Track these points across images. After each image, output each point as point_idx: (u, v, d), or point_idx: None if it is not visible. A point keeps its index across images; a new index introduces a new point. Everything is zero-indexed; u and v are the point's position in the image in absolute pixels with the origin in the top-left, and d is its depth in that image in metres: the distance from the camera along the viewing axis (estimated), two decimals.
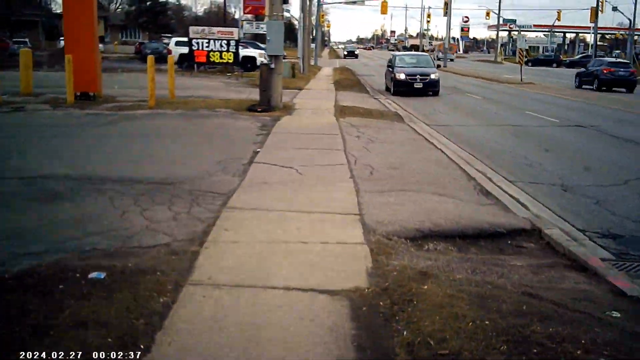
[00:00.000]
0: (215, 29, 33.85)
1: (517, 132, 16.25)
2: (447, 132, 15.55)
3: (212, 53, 32.78)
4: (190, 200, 7.35)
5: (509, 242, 6.77)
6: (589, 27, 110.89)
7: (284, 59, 54.60)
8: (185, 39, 34.84)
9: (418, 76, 26.78)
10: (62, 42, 56.83)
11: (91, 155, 10.03)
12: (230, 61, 33.12)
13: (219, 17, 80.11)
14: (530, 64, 71.29)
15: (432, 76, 27.00)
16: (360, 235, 6.18)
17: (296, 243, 5.83)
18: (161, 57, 44.32)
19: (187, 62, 35.51)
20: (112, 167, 9.06)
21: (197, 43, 32.77)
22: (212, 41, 32.68)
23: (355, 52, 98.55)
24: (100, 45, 68.04)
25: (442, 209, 7.49)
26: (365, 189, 8.29)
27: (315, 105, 19.96)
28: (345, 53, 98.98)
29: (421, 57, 31.37)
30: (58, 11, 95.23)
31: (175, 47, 40.38)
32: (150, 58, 17.08)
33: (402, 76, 26.94)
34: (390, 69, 29.01)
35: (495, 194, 8.70)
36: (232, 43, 32.83)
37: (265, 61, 18.26)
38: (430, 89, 26.86)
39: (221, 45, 32.72)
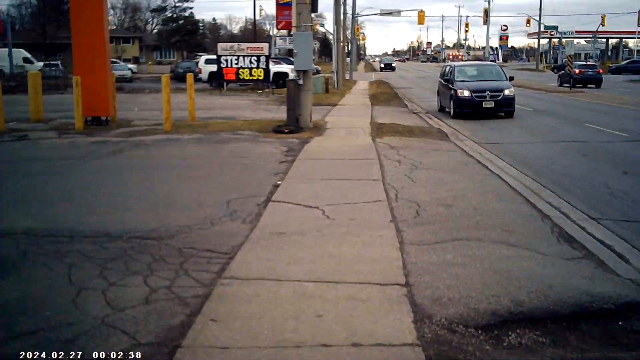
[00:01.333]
0: (244, 45, 32.37)
1: (582, 150, 14.04)
2: (501, 152, 13.47)
3: (241, 70, 31.32)
4: (178, 264, 5.49)
5: (621, 323, 4.72)
6: (634, 32, 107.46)
7: (317, 73, 53.44)
8: (215, 57, 33.50)
9: (488, 92, 20.90)
10: None
11: (73, 197, 8.27)
12: (261, 78, 31.59)
13: (256, 35, 79.36)
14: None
15: (506, 92, 21.23)
16: (410, 328, 4.21)
17: (314, 347, 3.89)
18: (194, 76, 43.31)
19: (215, 80, 34.04)
20: (92, 215, 7.28)
21: (226, 60, 31.35)
22: (241, 58, 31.22)
23: (393, 65, 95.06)
24: (133, 66, 67.89)
25: (519, 270, 5.47)
26: (411, 239, 6.33)
27: (349, 123, 18.06)
28: (382, 66, 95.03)
29: (487, 68, 24.85)
30: None
31: (204, 66, 39.06)
32: (165, 77, 15.44)
33: (466, 93, 20.92)
34: (446, 85, 22.79)
35: (581, 241, 6.63)
36: (262, 59, 31.30)
37: (293, 77, 16.45)
38: (504, 108, 21.27)
39: (251, 62, 31.27)
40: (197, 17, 70.28)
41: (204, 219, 7.08)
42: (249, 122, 17.33)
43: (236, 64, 31.52)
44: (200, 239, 6.29)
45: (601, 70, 44.12)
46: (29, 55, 57.53)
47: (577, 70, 39.88)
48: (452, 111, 21.55)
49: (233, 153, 12.09)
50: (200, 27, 72.04)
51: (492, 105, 20.88)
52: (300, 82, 16.19)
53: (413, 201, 8.09)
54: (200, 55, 48.37)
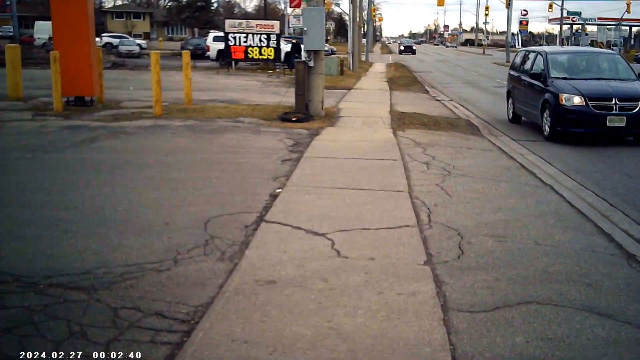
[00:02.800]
0: (254, 22, 30.22)
1: None
2: (546, 153, 11.40)
3: (250, 49, 29.20)
4: (103, 345, 3.53)
5: None
6: None
7: (332, 54, 51.23)
8: (223, 34, 31.42)
9: (615, 100, 12.39)
10: (104, 39, 54.68)
11: None
12: (271, 57, 29.44)
13: (268, 13, 76.95)
14: None
15: None
16: None
17: None
18: (204, 54, 41.29)
19: (223, 59, 31.97)
20: (9, 241, 5.31)
21: (234, 38, 29.23)
22: (250, 35, 29.08)
23: (413, 47, 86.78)
24: (143, 42, 65.93)
25: None
26: (459, 302, 4.33)
27: (365, 112, 15.99)
28: (402, 48, 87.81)
29: (602, 58, 15.42)
30: (108, 6, 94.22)
31: (213, 43, 36.98)
32: (155, 54, 13.38)
33: (577, 100, 12.49)
34: (531, 83, 14.29)
35: None
36: (273, 37, 29.14)
37: (303, 58, 14.39)
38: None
39: (260, 40, 29.10)
40: None
41: (166, 252, 5.10)
42: (252, 106, 15.30)
43: (245, 42, 29.41)
44: (151, 290, 4.32)
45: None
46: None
47: None
48: (547, 128, 13.04)
49: (227, 147, 10.07)
50: (212, 3, 69.65)
51: (624, 124, 12.32)
52: (311, 63, 14.13)
53: (452, 228, 6.08)
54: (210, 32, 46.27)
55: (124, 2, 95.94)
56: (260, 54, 29.39)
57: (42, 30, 52.60)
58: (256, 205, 6.68)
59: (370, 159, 9.55)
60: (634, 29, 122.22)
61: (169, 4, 79.18)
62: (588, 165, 10.50)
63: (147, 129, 11.51)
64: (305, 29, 13.89)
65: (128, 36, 63.54)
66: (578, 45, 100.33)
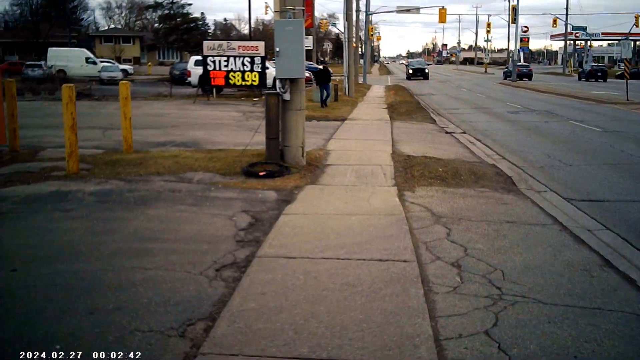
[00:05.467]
0: (235, 44, 26.60)
1: None
2: (614, 216, 7.77)
3: (232, 74, 25.61)
4: None
5: None
6: None
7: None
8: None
9: None
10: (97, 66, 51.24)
11: None
12: (255, 83, 25.77)
13: (263, 34, 73.62)
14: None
15: None
16: None
17: None
18: (184, 80, 37.81)
19: (200, 85, 28.45)
20: None
21: (213, 62, 25.68)
22: (232, 59, 25.51)
23: (426, 71, 64.21)
24: (130, 67, 62.79)
25: None
26: None
27: (361, 156, 12.35)
28: (410, 72, 64.28)
29: None
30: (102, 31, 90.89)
31: (194, 68, 33.48)
32: (66, 88, 9.68)
33: None
34: None
35: None
36: (258, 60, 25.55)
37: (277, 89, 10.79)
38: None
39: (243, 64, 25.52)
40: (209, 17, 64.91)
41: None
42: (213, 153, 11.64)
43: (225, 66, 25.89)
44: None
45: None
46: (91, 55, 53.16)
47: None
48: None
49: (139, 239, 6.36)
50: (201, 25, 66.29)
51: None
52: (287, 96, 10.53)
53: None
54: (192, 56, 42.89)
55: (114, 27, 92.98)
56: (244, 79, 25.80)
57: (57, 57, 50.23)
58: None
59: (365, 259, 5.84)
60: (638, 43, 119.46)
61: (158, 26, 75.93)
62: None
63: (37, 201, 7.82)
64: (277, 49, 10.30)
65: (113, 61, 60.15)
66: (581, 61, 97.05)
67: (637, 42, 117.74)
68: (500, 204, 8.64)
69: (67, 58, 50.77)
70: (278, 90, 10.64)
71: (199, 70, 30.86)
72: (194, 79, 33.07)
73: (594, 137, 17.05)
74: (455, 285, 5.25)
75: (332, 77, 29.35)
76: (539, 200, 9.04)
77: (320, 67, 29.34)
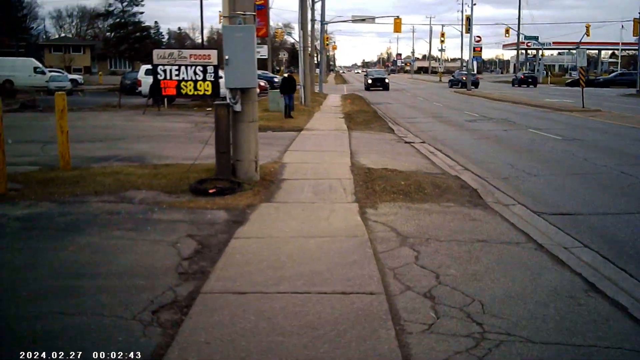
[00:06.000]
0: (187, 52, 25.55)
1: None
2: (589, 231, 7.24)
3: (183, 83, 24.53)
4: None
5: None
6: (616, 43, 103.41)
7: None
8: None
9: None
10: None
11: None
12: (208, 93, 24.75)
13: (217, 43, 72.42)
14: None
15: None
16: None
17: None
18: (133, 90, 36.64)
19: (149, 96, 27.37)
20: None
21: (164, 71, 24.61)
22: (183, 68, 24.47)
23: (386, 81, 59.54)
24: (80, 77, 60.91)
25: None
26: None
27: (319, 169, 11.65)
28: (369, 82, 59.52)
29: None
30: (61, 38, 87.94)
31: (144, 77, 32.35)
32: (59, 96, 8.78)
33: None
34: None
35: None
36: (210, 69, 24.58)
37: (227, 99, 10.01)
38: None
39: (195, 73, 24.51)
40: (163, 26, 63.54)
41: None
42: (158, 169, 10.78)
43: (177, 75, 24.84)
44: None
45: None
46: (39, 65, 50.86)
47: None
48: None
49: (65, 273, 5.48)
50: (153, 34, 64.80)
51: None
52: (238, 107, 9.77)
53: None
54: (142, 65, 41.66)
55: (64, 35, 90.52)
56: (196, 89, 24.72)
57: (3, 66, 48.14)
58: None
59: (327, 292, 5.12)
60: (589, 52, 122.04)
61: (109, 35, 74.02)
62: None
63: None
64: (226, 57, 9.54)
65: (62, 71, 58.27)
66: (533, 69, 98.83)
67: (587, 51, 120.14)
68: (468, 220, 8.04)
69: (14, 68, 49.01)
70: (228, 101, 9.87)
71: (150, 79, 29.74)
72: (144, 88, 31.93)
73: (555, 145, 16.73)
74: (431, 322, 4.58)
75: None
76: (508, 215, 8.48)
77: (285, 75, 27.95)
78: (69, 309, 4.61)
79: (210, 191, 9.00)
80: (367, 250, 6.33)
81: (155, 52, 25.57)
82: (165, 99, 27.49)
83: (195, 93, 24.64)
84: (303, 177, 10.81)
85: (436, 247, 6.58)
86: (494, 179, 11.62)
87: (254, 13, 10.17)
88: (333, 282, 5.34)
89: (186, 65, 24.43)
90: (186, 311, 4.69)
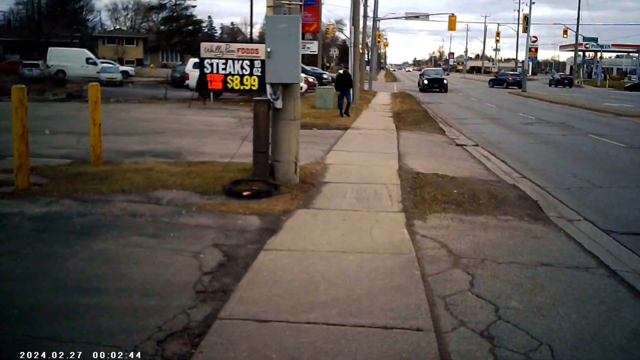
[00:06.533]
0: (235, 46, 25.12)
1: None
2: None
3: (230, 77, 24.15)
4: None
5: None
6: None
7: (332, 82, 46.35)
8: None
9: None
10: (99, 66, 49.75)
11: None
12: (255, 87, 24.23)
13: (251, 36, 72.10)
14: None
15: None
16: None
17: None
18: (181, 83, 36.48)
19: (195, 90, 26.95)
20: None
21: (211, 64, 24.23)
22: (230, 62, 24.04)
23: (445, 81, 51.01)
24: (131, 69, 61.46)
25: None
26: None
27: (363, 172, 10.85)
28: (425, 82, 50.96)
29: None
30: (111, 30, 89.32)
31: (192, 70, 32.05)
32: (15, 90, 8.19)
33: None
34: None
35: None
36: (258, 64, 24.04)
37: (268, 95, 9.31)
38: None
39: (243, 67, 24.04)
40: (216, 21, 63.59)
41: None
42: (193, 166, 10.16)
43: (224, 69, 24.46)
44: None
45: None
46: (92, 56, 51.90)
47: None
48: None
49: (70, 286, 4.84)
50: (204, 27, 64.89)
51: None
52: (278, 104, 9.06)
53: None
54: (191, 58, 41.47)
55: (119, 28, 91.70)
56: (242, 83, 24.28)
57: (57, 57, 49.18)
58: None
59: (365, 326, 4.32)
60: None
61: (160, 28, 74.49)
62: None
63: None
64: (268, 49, 8.83)
65: (113, 62, 58.83)
66: (590, 72, 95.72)
67: None
68: (529, 237, 7.14)
69: (67, 58, 49.76)
70: (269, 97, 9.17)
71: (197, 73, 29.50)
72: (192, 82, 31.61)
73: (619, 153, 15.53)
74: None
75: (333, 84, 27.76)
76: (574, 233, 7.54)
77: (341, 71, 25.95)
78: (62, 334, 3.96)
79: (245, 194, 8.32)
80: (414, 272, 5.52)
81: (203, 44, 25.18)
82: (212, 93, 27.07)
83: (242, 87, 24.18)
84: (346, 180, 10.03)
85: (494, 271, 5.73)
86: (555, 190, 10.63)
87: (300, 3, 9.42)
88: (373, 312, 4.56)
89: (233, 59, 23.97)
90: (197, 341, 3.99)
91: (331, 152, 13.29)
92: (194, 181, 8.89)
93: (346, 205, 8.28)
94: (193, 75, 31.30)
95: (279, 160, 9.22)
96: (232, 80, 24.24)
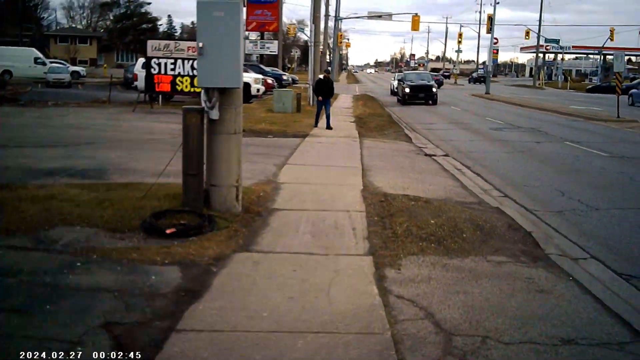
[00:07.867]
0: (185, 44, 23.04)
1: None
2: None
3: (179, 79, 22.19)
4: None
5: None
6: (637, 49, 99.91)
7: (293, 84, 44.27)
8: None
9: None
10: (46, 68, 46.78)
11: None
12: None
13: None
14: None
15: None
16: None
17: None
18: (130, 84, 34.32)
19: (146, 92, 24.83)
20: None
21: (158, 64, 22.25)
22: (179, 61, 22.07)
23: (434, 90, 36.27)
24: (82, 69, 58.56)
25: None
26: None
27: (321, 196, 9.07)
28: (407, 91, 35.96)
29: None
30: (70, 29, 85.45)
31: (141, 71, 29.73)
32: None
33: None
34: None
35: None
36: None
37: (202, 103, 7.46)
38: None
39: (193, 68, 22.01)
40: (177, 21, 61.02)
41: None
42: (111, 191, 8.21)
43: (172, 69, 22.53)
44: None
45: None
46: (40, 55, 48.77)
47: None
48: None
49: None
50: (163, 27, 62.37)
51: None
52: (214, 115, 7.22)
53: None
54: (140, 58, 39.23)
55: (74, 26, 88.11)
56: (193, 85, 22.25)
57: (3, 56, 46.20)
58: None
59: None
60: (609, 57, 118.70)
61: (113, 26, 71.53)
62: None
63: None
64: (200, 44, 7.00)
65: (63, 62, 55.95)
66: (550, 74, 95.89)
67: (608, 57, 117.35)
68: (534, 292, 5.48)
69: (15, 58, 46.96)
70: (203, 105, 7.35)
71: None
72: (140, 83, 29.39)
73: (603, 164, 14.10)
74: None
75: (293, 86, 25.85)
76: (585, 281, 5.94)
77: (321, 76, 21.89)
78: None
79: (168, 231, 6.47)
80: None
81: (150, 42, 23.05)
82: (160, 96, 25.05)
83: (192, 90, 22.16)
84: (300, 206, 8.25)
85: (503, 358, 4.02)
86: (546, 214, 9.05)
87: None
88: None
89: (183, 59, 22.01)
90: None
91: (285, 167, 11.50)
92: (106, 213, 6.98)
93: (298, 245, 6.50)
94: (141, 76, 29.08)
95: (216, 184, 7.40)
96: (182, 82, 22.31)
